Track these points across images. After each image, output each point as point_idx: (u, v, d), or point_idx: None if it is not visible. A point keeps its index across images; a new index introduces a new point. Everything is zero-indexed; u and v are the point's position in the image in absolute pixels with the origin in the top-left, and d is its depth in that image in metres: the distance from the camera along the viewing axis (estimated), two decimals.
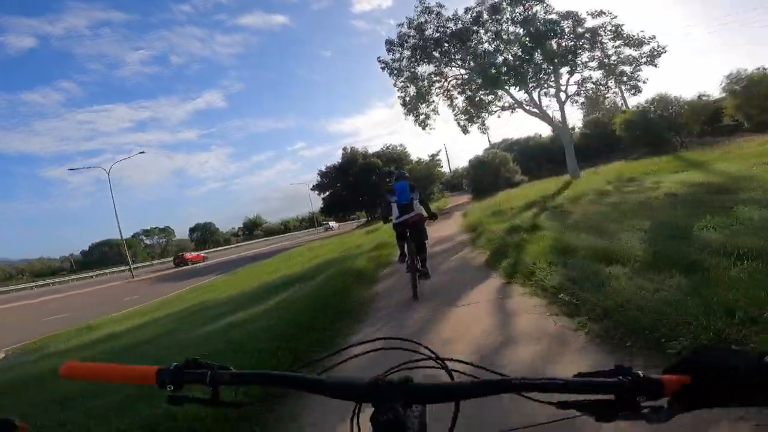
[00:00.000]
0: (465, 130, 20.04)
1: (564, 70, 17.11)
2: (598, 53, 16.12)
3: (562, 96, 17.56)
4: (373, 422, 0.53)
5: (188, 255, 38.28)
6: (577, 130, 31.70)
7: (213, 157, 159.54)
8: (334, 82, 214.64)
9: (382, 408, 0.53)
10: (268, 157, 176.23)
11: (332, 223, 54.06)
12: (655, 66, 15.39)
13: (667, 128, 23.09)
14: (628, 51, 15.69)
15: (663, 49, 15.46)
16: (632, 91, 16.57)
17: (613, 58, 16.00)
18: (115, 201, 33.17)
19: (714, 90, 22.74)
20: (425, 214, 5.14)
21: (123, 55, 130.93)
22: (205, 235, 78.52)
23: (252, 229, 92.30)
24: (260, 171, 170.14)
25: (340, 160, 45.36)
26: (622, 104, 24.51)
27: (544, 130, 33.95)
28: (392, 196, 5.08)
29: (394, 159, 43.35)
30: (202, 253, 40.67)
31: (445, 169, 46.12)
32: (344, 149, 46.18)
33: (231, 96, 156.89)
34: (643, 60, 15.40)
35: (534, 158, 29.75)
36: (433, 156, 39.59)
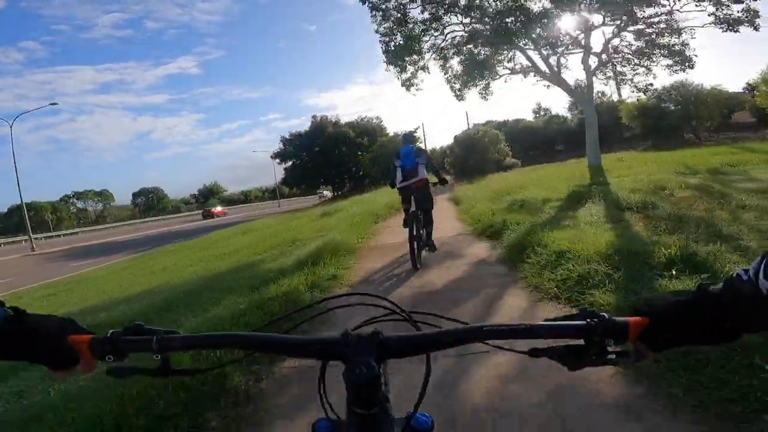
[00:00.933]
0: (460, 96, 16.07)
1: (607, 28, 13.35)
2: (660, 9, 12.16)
3: (592, 63, 13.84)
4: (346, 378, 0.49)
5: (214, 210, 43.31)
6: (569, 115, 28.69)
7: (182, 122, 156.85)
8: (316, 56, 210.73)
9: (355, 363, 0.49)
10: (240, 125, 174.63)
11: (326, 192, 48.90)
12: (736, 31, 11.37)
13: (684, 118, 20.40)
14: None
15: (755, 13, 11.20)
16: (679, 67, 13.03)
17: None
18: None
19: (728, 83, 19.93)
20: (431, 179, 4.98)
21: (94, 17, 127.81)
22: (150, 202, 70.90)
23: (208, 197, 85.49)
24: (231, 139, 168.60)
25: (308, 129, 40.36)
26: (611, 94, 21.50)
27: (527, 114, 30.91)
28: (397, 159, 4.83)
29: (368, 131, 38.98)
30: (226, 210, 45.61)
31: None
32: (314, 117, 41.18)
33: (206, 63, 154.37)
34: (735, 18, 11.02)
35: (522, 143, 26.36)
36: (411, 132, 35.01)
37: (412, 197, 4.70)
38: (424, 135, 36.86)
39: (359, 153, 35.51)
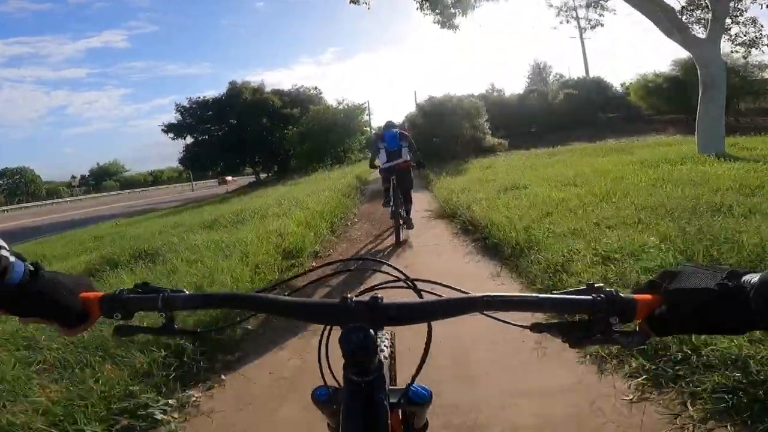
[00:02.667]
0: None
1: None
2: None
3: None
4: (341, 343, 0.49)
5: (228, 178, 40.46)
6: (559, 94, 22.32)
7: (104, 96, 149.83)
8: (262, 34, 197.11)
9: (351, 328, 0.49)
10: (172, 100, 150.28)
11: (231, 178, 41.55)
12: None
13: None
14: None
15: None
16: None
17: None
18: None
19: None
20: (413, 162, 5.16)
21: None
22: (14, 184, 55.36)
23: (101, 179, 70.65)
24: (161, 115, 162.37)
25: (220, 96, 30.54)
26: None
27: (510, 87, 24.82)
28: (382, 142, 5.08)
29: (301, 101, 30.04)
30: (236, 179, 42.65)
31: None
32: (231, 83, 31.25)
33: (137, 37, 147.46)
34: None
35: (504, 120, 19.95)
36: (359, 106, 26.33)
37: (394, 177, 4.94)
38: (369, 113, 29.39)
39: (286, 131, 26.19)
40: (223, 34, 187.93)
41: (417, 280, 0.63)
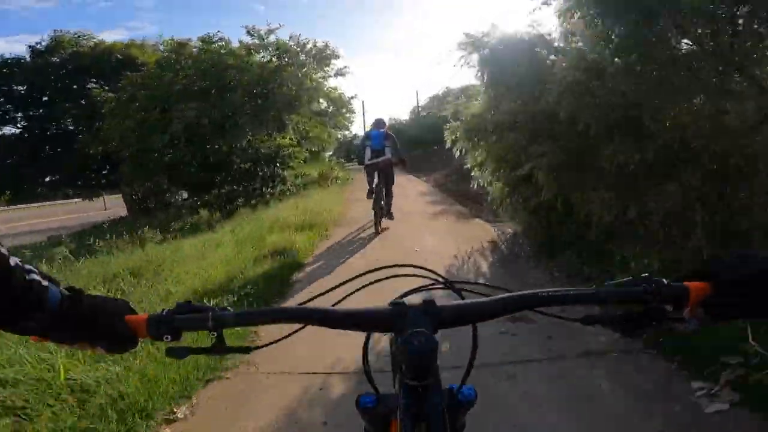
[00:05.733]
0: None
1: None
2: None
3: None
4: (403, 350, 0.48)
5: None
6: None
7: None
8: None
9: (413, 334, 0.48)
10: None
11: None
12: None
13: None
14: None
15: None
16: None
17: None
18: None
19: None
20: (395, 160, 5.58)
21: None
22: None
23: None
24: None
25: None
26: None
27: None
28: (368, 140, 5.55)
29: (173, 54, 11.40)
30: None
31: (359, 132, 30.85)
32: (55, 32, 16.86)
33: None
34: None
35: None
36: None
37: (378, 173, 5.42)
38: (364, 119, 26.52)
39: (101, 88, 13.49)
40: None
41: (456, 281, 0.64)
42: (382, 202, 5.47)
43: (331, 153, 23.41)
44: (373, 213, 5.42)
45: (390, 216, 5.72)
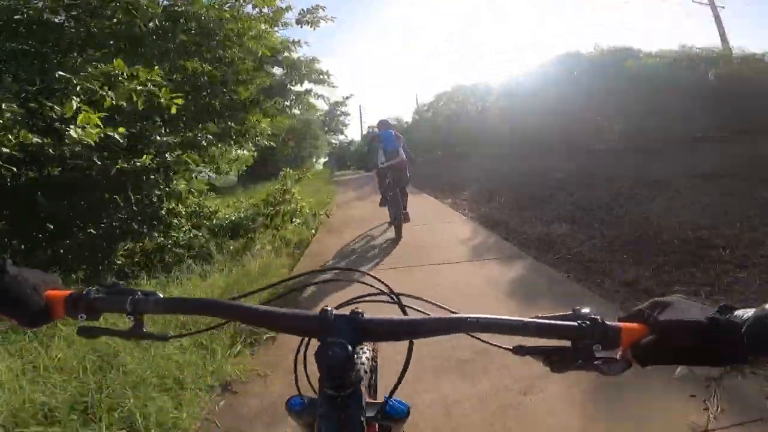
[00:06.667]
0: None
1: None
2: None
3: None
4: (317, 358, 0.47)
5: None
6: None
7: None
8: None
9: (328, 342, 0.47)
10: None
11: None
12: None
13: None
14: None
15: None
16: None
17: None
18: None
19: None
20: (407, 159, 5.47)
21: None
22: None
23: None
24: None
25: None
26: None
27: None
28: (380, 142, 5.30)
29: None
30: None
31: (355, 136, 28.72)
32: None
33: None
34: None
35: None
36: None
37: (391, 175, 5.15)
38: (361, 120, 26.52)
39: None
40: None
41: (402, 295, 0.63)
42: (401, 206, 5.10)
43: (326, 159, 22.82)
44: (393, 228, 5.09)
45: (407, 218, 5.25)
